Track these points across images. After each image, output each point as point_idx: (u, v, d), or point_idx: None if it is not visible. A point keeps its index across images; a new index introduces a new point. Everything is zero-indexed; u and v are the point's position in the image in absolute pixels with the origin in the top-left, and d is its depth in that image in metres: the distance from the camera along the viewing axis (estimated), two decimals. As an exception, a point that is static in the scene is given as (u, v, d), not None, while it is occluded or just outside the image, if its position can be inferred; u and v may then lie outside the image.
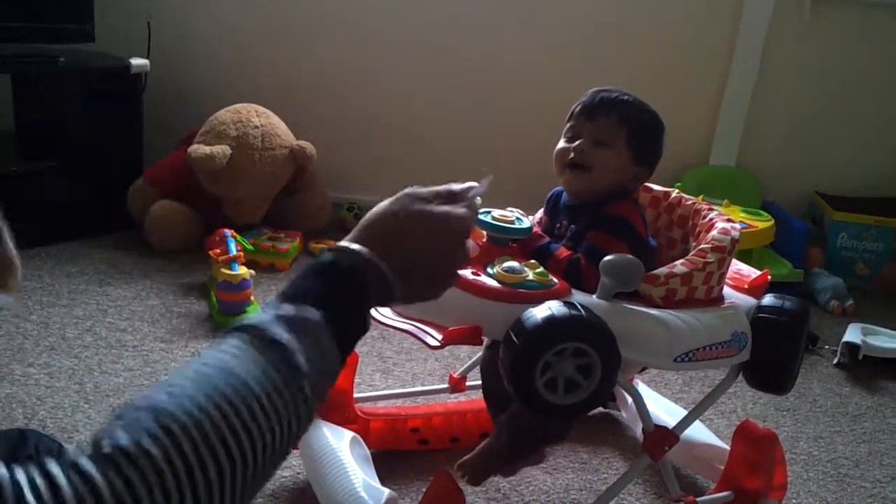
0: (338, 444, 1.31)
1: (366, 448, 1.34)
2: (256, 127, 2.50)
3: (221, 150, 2.41)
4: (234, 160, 2.43)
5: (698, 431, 1.53)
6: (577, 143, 1.30)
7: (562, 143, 1.34)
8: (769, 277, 1.36)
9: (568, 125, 1.34)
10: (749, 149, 2.91)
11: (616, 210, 1.27)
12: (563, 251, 1.24)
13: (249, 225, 2.53)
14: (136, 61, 2.55)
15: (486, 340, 1.38)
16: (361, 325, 0.71)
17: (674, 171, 2.78)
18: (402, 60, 2.81)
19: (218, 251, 2.11)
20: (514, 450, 1.26)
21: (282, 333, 0.61)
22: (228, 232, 2.19)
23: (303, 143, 2.58)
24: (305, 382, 0.61)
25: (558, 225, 1.34)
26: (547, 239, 1.27)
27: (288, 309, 0.65)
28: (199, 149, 2.41)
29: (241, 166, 2.45)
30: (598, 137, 1.29)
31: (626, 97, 1.33)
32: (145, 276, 2.27)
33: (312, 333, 0.64)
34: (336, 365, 0.67)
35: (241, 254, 2.13)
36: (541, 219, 1.41)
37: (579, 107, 1.33)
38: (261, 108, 2.58)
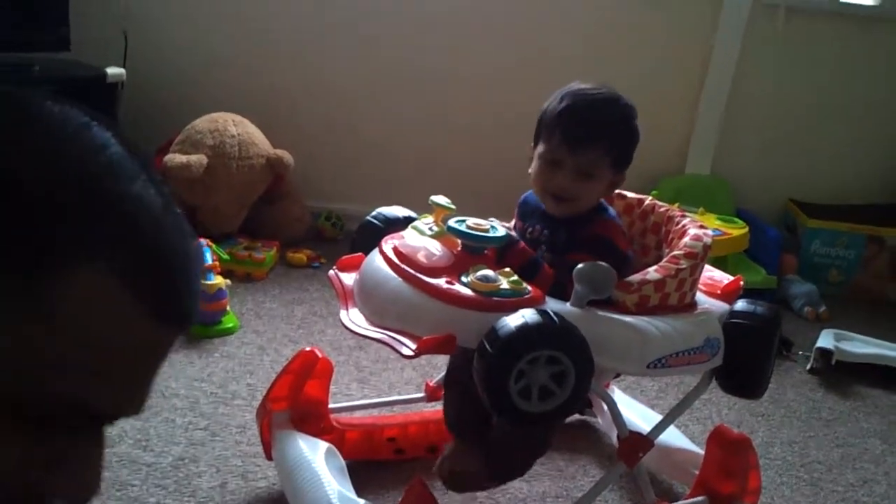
0: (313, 455, 1.30)
1: (341, 459, 1.34)
2: (233, 136, 2.49)
3: (198, 159, 2.40)
4: (211, 169, 2.42)
5: (673, 437, 1.54)
6: (559, 176, 1.25)
7: (540, 167, 1.28)
8: (742, 283, 1.38)
9: (546, 146, 1.26)
10: (724, 157, 2.94)
11: (595, 229, 1.27)
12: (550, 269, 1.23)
13: (226, 234, 2.51)
14: (113, 70, 2.53)
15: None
16: None
17: (649, 179, 2.79)
18: (380, 69, 2.81)
19: (194, 261, 2.10)
20: (497, 472, 1.28)
21: None
22: (204, 241, 2.17)
23: (280, 151, 2.57)
24: None
25: (530, 229, 1.34)
26: (534, 253, 1.26)
27: None
28: (175, 158, 2.40)
29: (217, 175, 2.43)
30: (583, 169, 1.25)
31: (602, 115, 1.27)
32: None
33: None
34: None
35: (217, 263, 2.11)
36: (514, 225, 1.41)
37: (559, 129, 1.24)
38: (237, 117, 2.56)
